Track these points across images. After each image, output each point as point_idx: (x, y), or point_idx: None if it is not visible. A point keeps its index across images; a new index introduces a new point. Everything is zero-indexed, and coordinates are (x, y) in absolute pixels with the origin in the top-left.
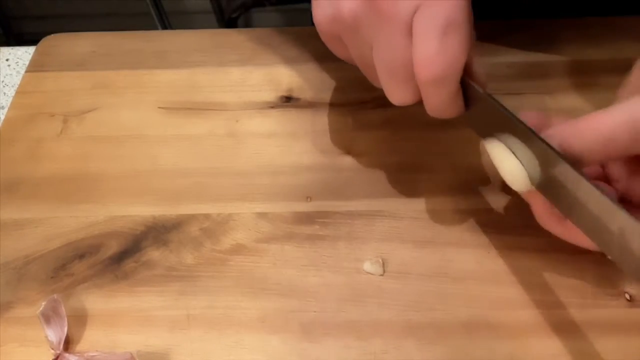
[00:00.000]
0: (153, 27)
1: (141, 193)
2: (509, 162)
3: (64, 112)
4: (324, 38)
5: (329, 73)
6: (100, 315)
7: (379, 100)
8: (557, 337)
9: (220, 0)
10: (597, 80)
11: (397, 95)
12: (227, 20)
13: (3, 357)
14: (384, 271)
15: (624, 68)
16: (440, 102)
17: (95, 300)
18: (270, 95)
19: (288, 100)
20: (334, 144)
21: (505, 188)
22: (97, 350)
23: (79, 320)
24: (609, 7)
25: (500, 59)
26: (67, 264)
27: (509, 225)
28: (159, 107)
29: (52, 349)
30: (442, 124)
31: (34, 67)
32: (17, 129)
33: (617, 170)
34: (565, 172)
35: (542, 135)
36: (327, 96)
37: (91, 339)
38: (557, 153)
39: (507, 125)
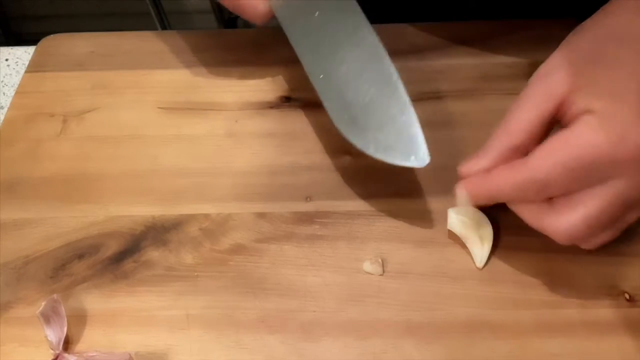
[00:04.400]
0: (153, 27)
1: (141, 193)
2: None
3: (64, 112)
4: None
5: None
6: (99, 315)
7: None
8: (557, 337)
9: None
10: None
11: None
12: (227, 20)
13: (3, 357)
14: (384, 271)
15: None
16: None
17: (95, 300)
18: (270, 95)
19: (288, 100)
20: (334, 144)
21: None
22: (96, 351)
23: (78, 320)
24: None
25: (500, 59)
26: (67, 264)
27: (509, 225)
28: (159, 107)
29: (52, 349)
30: (442, 124)
31: (34, 67)
32: (16, 129)
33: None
34: None
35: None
36: None
37: (90, 339)
38: None
39: None
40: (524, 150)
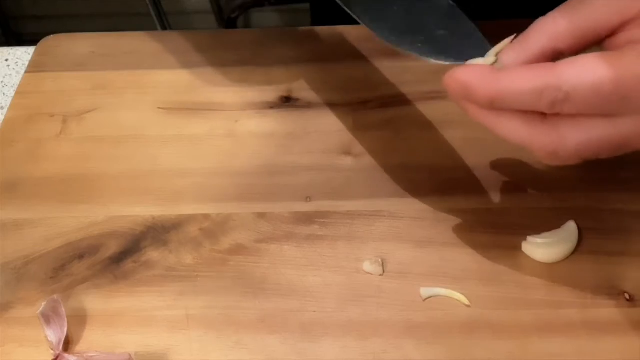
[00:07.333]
0: (152, 28)
1: (141, 193)
2: None
3: (64, 113)
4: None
5: (329, 73)
6: (99, 316)
7: (379, 100)
8: (557, 337)
9: (219, 1)
10: None
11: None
12: (227, 20)
13: (3, 357)
14: (384, 271)
15: None
16: None
17: (95, 301)
18: (270, 95)
19: (288, 100)
20: (334, 144)
21: (504, 188)
22: (96, 351)
23: (78, 320)
24: None
25: None
26: (67, 264)
27: (509, 225)
28: (159, 108)
29: (52, 349)
30: (442, 124)
31: (34, 67)
32: (16, 129)
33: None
34: None
35: None
36: (327, 96)
37: (90, 339)
38: None
39: None
40: (556, 57)
